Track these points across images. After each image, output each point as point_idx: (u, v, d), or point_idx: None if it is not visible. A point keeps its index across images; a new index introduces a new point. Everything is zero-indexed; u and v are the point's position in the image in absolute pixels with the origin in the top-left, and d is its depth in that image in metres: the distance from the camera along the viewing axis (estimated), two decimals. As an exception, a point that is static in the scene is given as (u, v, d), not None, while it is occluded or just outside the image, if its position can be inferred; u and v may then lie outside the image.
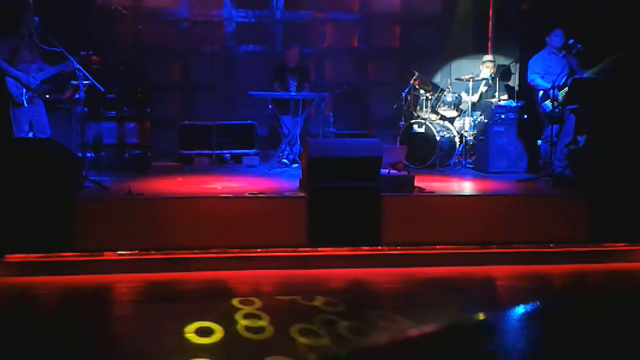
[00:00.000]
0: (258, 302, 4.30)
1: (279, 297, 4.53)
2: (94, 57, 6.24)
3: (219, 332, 3.73)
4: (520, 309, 4.58)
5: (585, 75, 6.95)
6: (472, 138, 8.28)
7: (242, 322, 3.90)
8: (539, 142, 7.61)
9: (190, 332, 3.73)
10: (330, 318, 4.04)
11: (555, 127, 6.82)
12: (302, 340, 3.65)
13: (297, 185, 6.12)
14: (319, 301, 4.36)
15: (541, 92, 7.25)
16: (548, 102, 7.05)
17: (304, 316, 4.05)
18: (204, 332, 3.74)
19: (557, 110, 6.82)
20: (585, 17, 7.32)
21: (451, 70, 9.62)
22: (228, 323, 3.87)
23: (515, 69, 8.77)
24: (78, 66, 5.96)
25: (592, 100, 6.84)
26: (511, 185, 6.78)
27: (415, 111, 8.73)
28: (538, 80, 7.27)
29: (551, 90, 6.86)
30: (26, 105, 6.01)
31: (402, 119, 8.74)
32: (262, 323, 3.91)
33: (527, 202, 5.88)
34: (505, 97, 8.41)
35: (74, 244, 5.10)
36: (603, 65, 6.76)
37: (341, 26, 10.51)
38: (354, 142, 6.48)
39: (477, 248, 5.52)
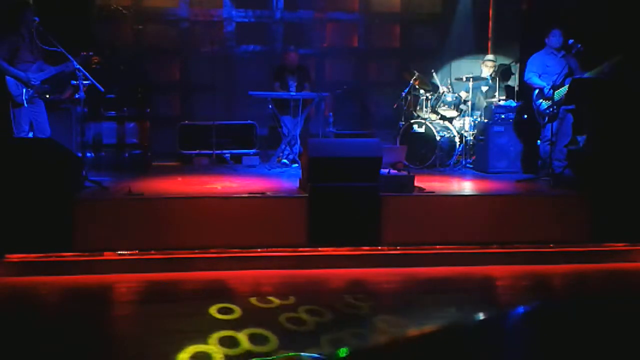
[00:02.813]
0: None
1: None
2: (94, 57, 6.23)
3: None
4: (520, 309, 4.58)
5: (586, 75, 6.94)
6: (472, 138, 8.28)
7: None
8: (539, 142, 7.61)
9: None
10: (331, 317, 4.05)
11: (555, 126, 6.82)
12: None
13: (297, 185, 6.12)
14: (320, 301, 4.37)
15: (536, 91, 7.26)
16: (542, 101, 7.07)
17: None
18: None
19: (550, 109, 6.82)
20: (585, 17, 7.32)
21: (451, 70, 9.63)
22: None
23: (515, 69, 8.77)
24: (78, 66, 5.96)
25: (592, 100, 6.84)
26: (511, 185, 6.78)
27: (415, 111, 8.73)
28: (534, 79, 7.26)
29: (546, 89, 6.87)
30: (26, 105, 6.01)
31: (402, 119, 8.74)
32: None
33: (527, 202, 5.88)
34: (503, 97, 8.41)
35: (74, 244, 5.10)
36: (603, 66, 6.75)
37: (341, 26, 10.52)
38: (354, 142, 6.48)
39: (477, 248, 5.52)
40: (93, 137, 8.03)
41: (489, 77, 8.59)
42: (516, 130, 7.89)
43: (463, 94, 8.50)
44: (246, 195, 5.63)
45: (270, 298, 4.42)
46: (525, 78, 7.39)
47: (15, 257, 5.00)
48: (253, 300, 4.36)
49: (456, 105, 8.53)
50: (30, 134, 6.13)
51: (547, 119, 6.98)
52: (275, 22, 10.15)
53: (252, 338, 3.68)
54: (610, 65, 6.67)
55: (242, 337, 3.68)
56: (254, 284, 4.84)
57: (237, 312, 4.12)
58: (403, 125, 8.61)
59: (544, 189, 6.44)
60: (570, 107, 7.02)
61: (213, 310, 4.11)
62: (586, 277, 5.34)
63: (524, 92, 7.93)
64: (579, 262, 5.52)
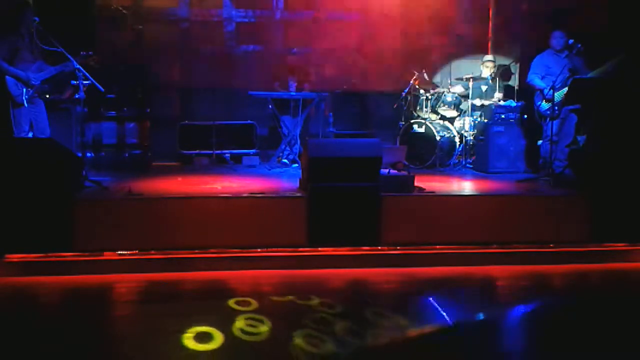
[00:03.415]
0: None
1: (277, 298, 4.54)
2: (94, 57, 6.23)
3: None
4: (520, 309, 4.58)
5: (589, 75, 6.95)
6: (472, 138, 8.28)
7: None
8: (539, 142, 7.62)
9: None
10: (330, 318, 4.05)
11: (555, 126, 6.82)
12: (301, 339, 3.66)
13: (297, 185, 6.12)
14: (317, 300, 4.37)
15: (537, 92, 7.26)
16: (544, 102, 7.07)
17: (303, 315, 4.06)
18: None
19: (550, 111, 6.82)
20: (585, 17, 7.33)
21: (451, 70, 9.62)
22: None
23: (515, 69, 8.77)
24: (78, 66, 5.96)
25: (593, 100, 6.85)
26: (511, 185, 6.78)
27: (415, 111, 8.73)
28: (536, 80, 7.29)
29: (547, 91, 6.88)
30: (26, 105, 6.01)
31: (402, 119, 8.75)
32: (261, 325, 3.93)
33: (527, 202, 5.88)
34: (500, 96, 8.41)
35: (74, 244, 5.10)
36: (606, 66, 6.76)
37: (341, 26, 10.51)
38: (353, 142, 6.47)
39: (477, 248, 5.52)
40: (93, 137, 8.03)
41: (489, 77, 8.59)
42: (516, 130, 7.90)
43: (459, 89, 8.49)
44: (246, 195, 5.63)
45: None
46: (528, 79, 7.43)
47: (15, 257, 5.00)
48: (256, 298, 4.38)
49: (456, 105, 8.53)
50: (30, 134, 6.13)
51: (547, 119, 6.99)
52: (275, 22, 10.14)
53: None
54: (613, 64, 6.68)
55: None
56: (254, 284, 4.84)
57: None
58: (403, 125, 8.61)
59: (544, 189, 6.44)
60: (574, 107, 7.03)
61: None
62: (586, 277, 5.34)
63: (525, 93, 7.93)
64: (579, 262, 5.52)
